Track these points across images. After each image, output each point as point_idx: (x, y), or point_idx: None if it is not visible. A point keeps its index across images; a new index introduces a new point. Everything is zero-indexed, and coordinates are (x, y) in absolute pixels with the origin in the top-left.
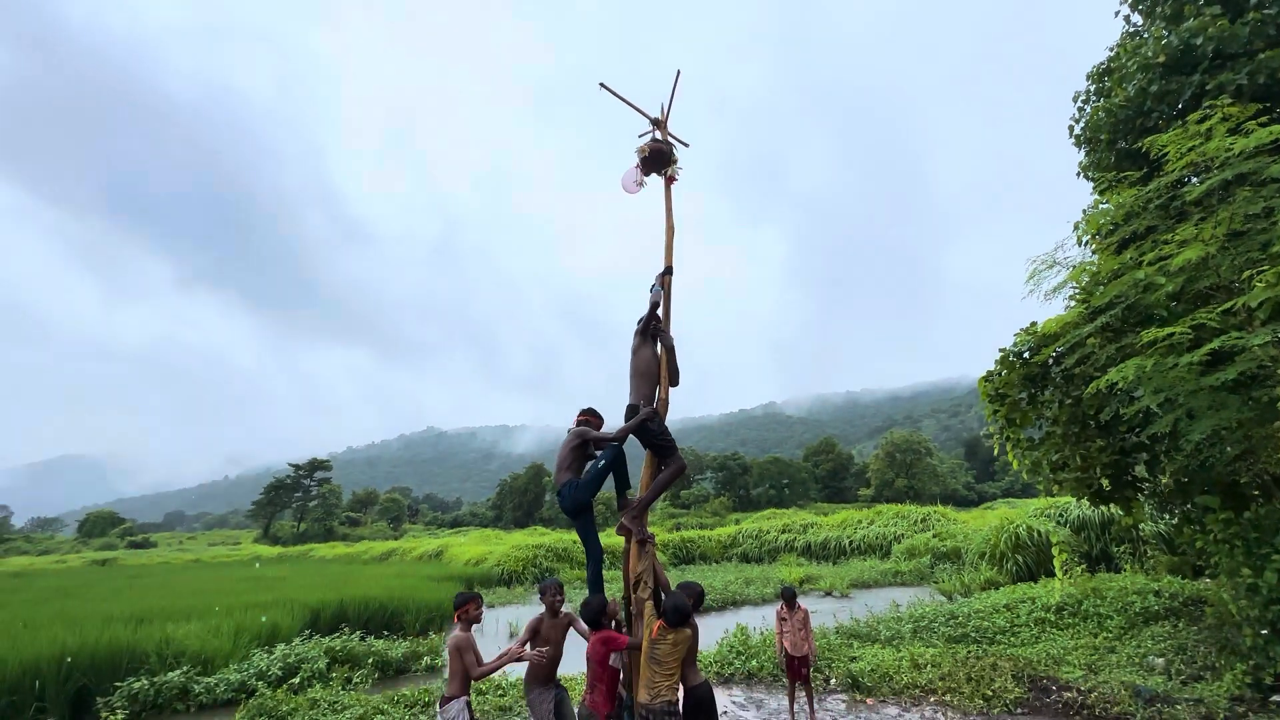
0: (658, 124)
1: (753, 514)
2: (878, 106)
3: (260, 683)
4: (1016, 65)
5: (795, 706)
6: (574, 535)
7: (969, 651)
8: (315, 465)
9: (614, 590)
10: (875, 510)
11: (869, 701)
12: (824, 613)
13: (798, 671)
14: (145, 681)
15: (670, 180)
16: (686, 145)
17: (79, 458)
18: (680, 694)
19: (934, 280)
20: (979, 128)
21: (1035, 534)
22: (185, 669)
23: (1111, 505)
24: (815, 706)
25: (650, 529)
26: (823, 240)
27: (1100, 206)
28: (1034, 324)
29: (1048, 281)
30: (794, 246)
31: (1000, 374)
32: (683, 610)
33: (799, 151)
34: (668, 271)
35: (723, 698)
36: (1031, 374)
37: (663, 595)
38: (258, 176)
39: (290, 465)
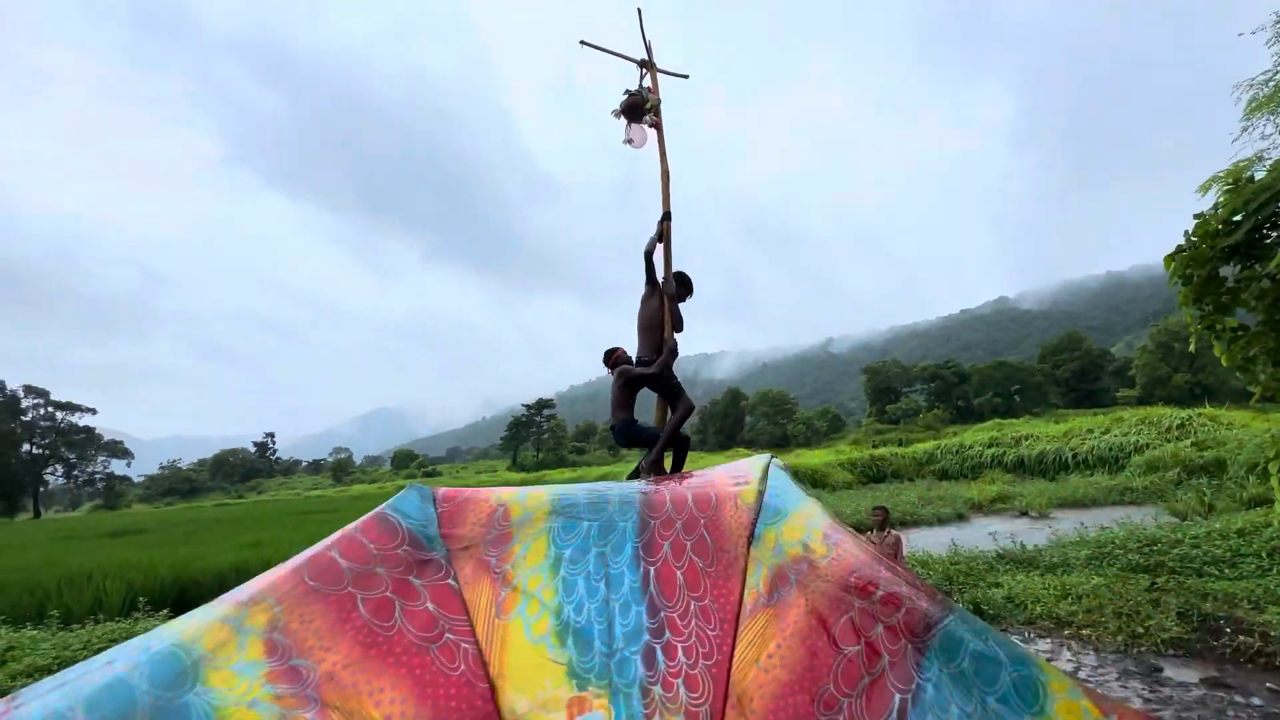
0: (645, 65)
1: (974, 426)
2: None
3: None
4: None
5: None
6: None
7: (1150, 583)
8: (542, 405)
9: None
10: (1114, 417)
11: None
12: (1003, 535)
13: None
14: None
15: (656, 126)
16: (686, 76)
17: (387, 409)
18: None
19: (1220, 110)
20: None
21: None
22: None
23: None
24: None
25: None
26: (1061, 84)
27: None
28: (1236, 169)
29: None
30: (1022, 99)
31: (1195, 244)
32: None
33: None
34: (666, 217)
35: None
36: (1236, 243)
37: None
38: (461, 151)
39: (523, 406)
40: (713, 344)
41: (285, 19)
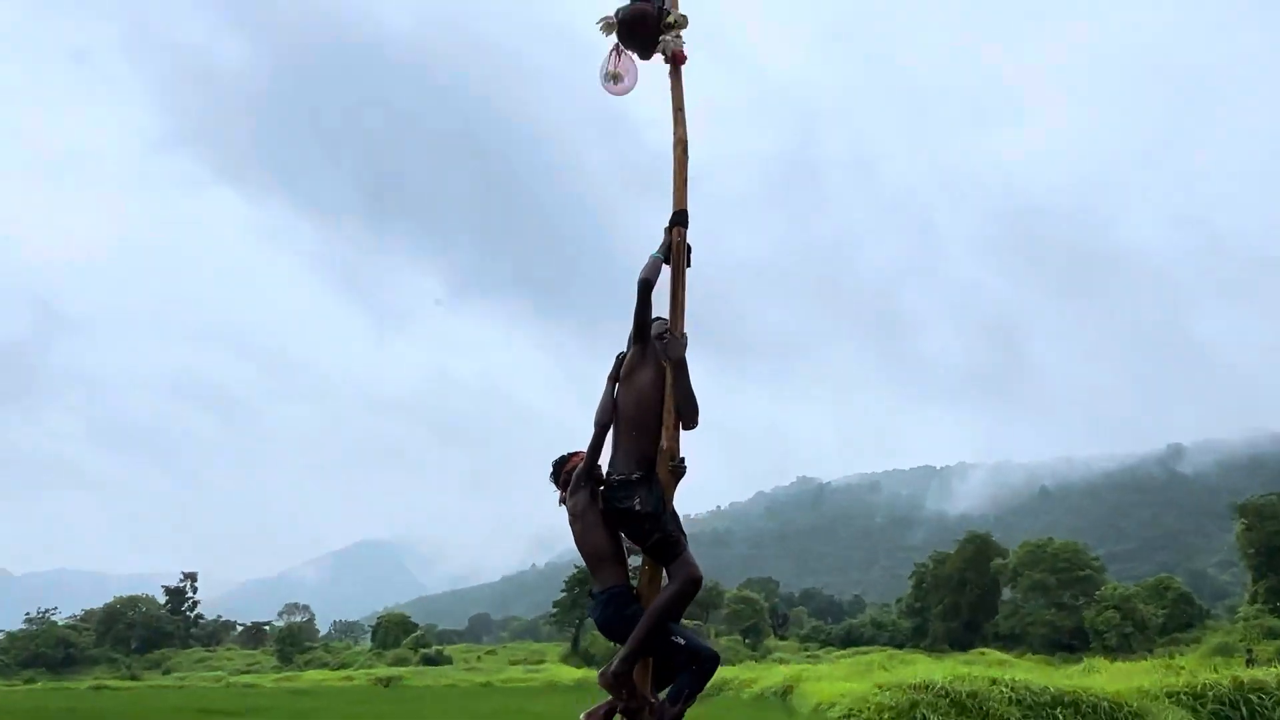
0: None
1: None
2: None
3: None
4: None
5: None
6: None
7: None
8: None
9: None
10: None
11: None
12: None
13: None
14: None
15: (676, 59)
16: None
17: (376, 544)
18: None
19: None
20: None
21: None
22: None
23: None
24: None
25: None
26: None
27: None
28: None
29: None
30: None
31: None
32: None
33: None
34: (677, 218)
35: None
36: None
37: None
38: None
39: None
40: (947, 449)
41: None
